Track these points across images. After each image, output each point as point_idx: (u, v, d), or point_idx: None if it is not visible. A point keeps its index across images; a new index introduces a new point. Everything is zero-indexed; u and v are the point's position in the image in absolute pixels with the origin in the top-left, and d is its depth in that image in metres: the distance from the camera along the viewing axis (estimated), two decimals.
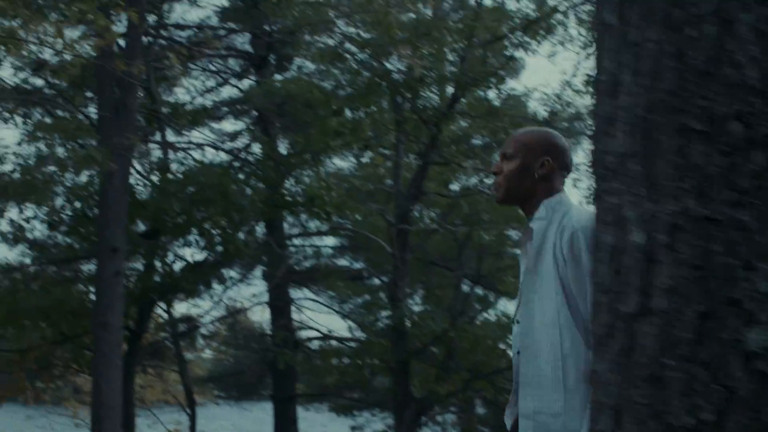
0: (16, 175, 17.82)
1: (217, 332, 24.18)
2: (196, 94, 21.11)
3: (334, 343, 20.99)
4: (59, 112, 18.87)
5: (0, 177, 17.85)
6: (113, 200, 16.16)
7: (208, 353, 26.79)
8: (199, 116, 19.23)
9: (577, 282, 3.47)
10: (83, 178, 17.26)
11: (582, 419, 3.39)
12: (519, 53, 17.25)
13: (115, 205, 16.21)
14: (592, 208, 3.10)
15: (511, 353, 3.84)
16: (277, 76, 19.89)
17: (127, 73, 14.56)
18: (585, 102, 17.81)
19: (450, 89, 17.01)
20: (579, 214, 3.59)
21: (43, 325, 18.94)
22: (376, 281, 21.36)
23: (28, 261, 20.62)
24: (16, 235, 19.78)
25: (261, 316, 29.27)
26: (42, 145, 18.05)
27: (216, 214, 17.54)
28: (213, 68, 21.29)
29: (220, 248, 18.02)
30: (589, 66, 16.20)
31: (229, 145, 20.95)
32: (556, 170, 3.73)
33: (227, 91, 21.87)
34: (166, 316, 21.47)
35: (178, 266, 19.25)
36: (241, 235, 18.41)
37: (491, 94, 17.80)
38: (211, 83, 21.38)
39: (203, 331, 23.52)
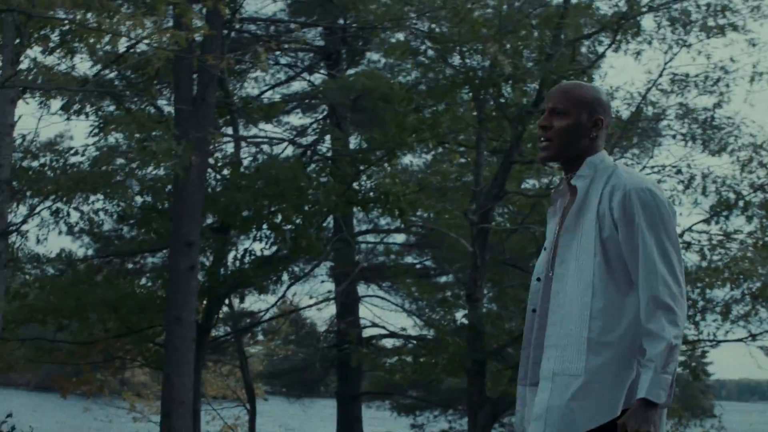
0: (85, 167, 17.69)
1: (279, 328, 24.08)
2: (266, 87, 21.05)
3: (400, 341, 20.83)
4: (129, 105, 18.77)
5: (71, 169, 17.74)
6: (188, 194, 16.00)
7: (264, 349, 26.72)
8: (274, 110, 19.11)
9: (627, 243, 3.38)
10: (161, 171, 17.12)
11: (613, 379, 3.35)
12: (605, 50, 17.05)
13: (190, 199, 16.04)
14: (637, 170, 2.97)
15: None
16: (349, 71, 19.76)
17: (209, 66, 14.48)
18: (670, 102, 17.57)
19: (530, 87, 16.79)
20: (629, 174, 3.49)
21: (108, 317, 18.86)
22: (444, 279, 21.19)
23: (91, 253, 20.59)
24: (84, 228, 19.71)
25: (323, 313, 29.24)
26: (114, 138, 17.98)
27: (288, 208, 17.38)
28: (283, 62, 21.22)
29: (290, 243, 17.85)
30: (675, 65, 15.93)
31: (298, 139, 20.86)
32: (605, 128, 3.61)
33: (296, 85, 21.82)
34: (227, 310, 21.37)
35: (246, 260, 19.11)
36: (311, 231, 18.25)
37: None
38: (280, 77, 21.31)
39: (265, 326, 23.43)
